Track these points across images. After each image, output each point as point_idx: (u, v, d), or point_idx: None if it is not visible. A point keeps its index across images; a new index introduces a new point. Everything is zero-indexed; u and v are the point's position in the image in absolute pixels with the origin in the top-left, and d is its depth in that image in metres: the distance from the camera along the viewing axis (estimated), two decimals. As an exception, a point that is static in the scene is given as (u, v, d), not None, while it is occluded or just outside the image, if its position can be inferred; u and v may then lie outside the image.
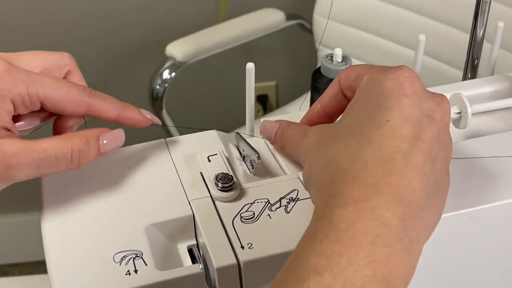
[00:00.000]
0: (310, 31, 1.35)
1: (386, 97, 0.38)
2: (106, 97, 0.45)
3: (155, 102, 1.20)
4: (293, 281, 0.32)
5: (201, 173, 0.48)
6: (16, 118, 0.44)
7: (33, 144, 0.41)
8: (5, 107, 0.41)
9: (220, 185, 0.45)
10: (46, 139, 0.42)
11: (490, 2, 0.58)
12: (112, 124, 0.46)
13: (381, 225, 0.33)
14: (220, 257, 0.41)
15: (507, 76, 0.58)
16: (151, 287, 0.40)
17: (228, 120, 1.51)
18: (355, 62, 0.71)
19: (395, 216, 0.33)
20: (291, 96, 1.45)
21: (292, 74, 1.62)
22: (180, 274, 0.41)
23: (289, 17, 1.32)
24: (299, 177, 0.47)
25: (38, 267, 1.61)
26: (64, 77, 0.46)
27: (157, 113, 1.21)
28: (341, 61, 0.59)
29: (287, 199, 0.45)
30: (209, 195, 0.46)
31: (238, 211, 0.44)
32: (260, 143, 0.53)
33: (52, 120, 0.46)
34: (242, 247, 0.41)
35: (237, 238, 0.42)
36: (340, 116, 0.42)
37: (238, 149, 0.51)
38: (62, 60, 0.46)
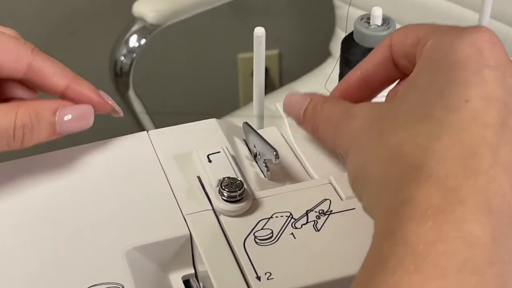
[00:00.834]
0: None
1: (462, 69, 0.38)
2: (53, 61, 0.47)
3: (118, 79, 1.20)
4: None
5: (199, 177, 0.48)
6: None
7: None
8: None
9: (225, 194, 0.45)
10: None
11: None
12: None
13: (469, 246, 0.33)
14: (229, 291, 0.41)
15: None
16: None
17: (216, 104, 1.51)
18: (398, 26, 0.71)
19: (485, 232, 0.33)
20: (299, 70, 1.45)
21: (301, 40, 1.62)
22: (175, 316, 0.41)
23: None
24: (331, 182, 0.47)
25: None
26: None
27: (122, 93, 1.20)
28: (381, 25, 0.59)
29: (316, 212, 0.45)
30: (211, 208, 0.46)
31: (251, 229, 0.44)
32: (275, 136, 0.52)
33: None
34: (258, 278, 0.41)
35: (251, 266, 0.42)
36: (399, 94, 0.42)
37: (248, 145, 0.51)
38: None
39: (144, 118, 1.21)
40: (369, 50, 0.49)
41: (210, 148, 0.49)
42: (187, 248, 0.45)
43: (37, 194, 0.47)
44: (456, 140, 0.36)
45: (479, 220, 0.34)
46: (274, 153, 0.48)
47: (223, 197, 0.45)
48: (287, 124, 0.53)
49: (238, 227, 0.44)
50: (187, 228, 0.45)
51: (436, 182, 0.35)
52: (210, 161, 0.48)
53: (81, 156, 0.50)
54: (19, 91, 0.48)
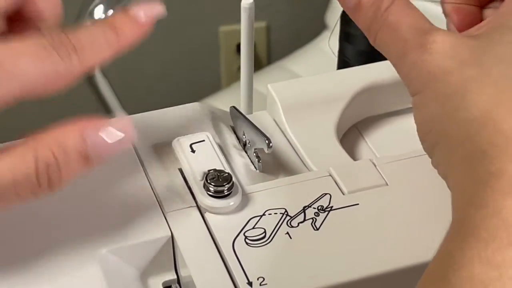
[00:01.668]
0: None
1: None
2: None
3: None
4: None
5: (180, 170, 0.48)
6: None
7: None
8: None
9: (211, 189, 0.45)
10: None
11: None
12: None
13: None
14: (216, 299, 0.41)
15: None
16: None
17: (196, 85, 1.50)
18: None
19: None
20: (291, 45, 1.45)
21: (292, 10, 1.61)
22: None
23: None
24: (331, 174, 0.48)
25: None
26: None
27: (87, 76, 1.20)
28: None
29: (314, 208, 0.46)
30: (195, 205, 0.46)
31: (241, 228, 0.44)
32: (267, 122, 0.53)
33: None
34: (250, 284, 0.42)
35: (241, 270, 0.42)
36: (489, 29, 0.40)
37: (236, 133, 0.52)
38: None
39: (113, 103, 1.21)
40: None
41: (193, 137, 0.49)
42: (168, 251, 0.45)
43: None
44: None
45: None
46: (266, 141, 0.48)
47: (208, 192, 0.45)
48: (280, 108, 0.53)
49: (226, 226, 0.45)
50: (168, 228, 0.45)
51: None
52: (193, 151, 0.48)
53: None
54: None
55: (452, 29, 0.44)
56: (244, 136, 0.50)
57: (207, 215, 0.46)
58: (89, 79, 1.25)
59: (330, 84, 0.55)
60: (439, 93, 0.39)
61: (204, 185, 0.46)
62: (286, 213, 0.45)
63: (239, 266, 0.42)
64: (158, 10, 0.43)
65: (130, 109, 0.54)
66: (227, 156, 0.49)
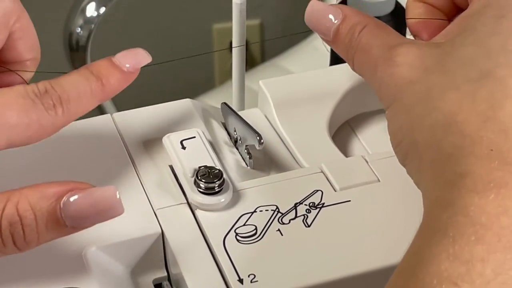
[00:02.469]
0: None
1: None
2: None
3: (74, 54, 1.20)
4: None
5: (171, 166, 0.48)
6: None
7: None
8: None
9: (202, 185, 0.45)
10: None
11: None
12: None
13: None
14: (207, 296, 0.41)
15: None
16: None
17: (189, 82, 1.50)
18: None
19: None
20: (285, 43, 1.45)
21: (286, 7, 1.61)
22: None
23: None
24: (323, 171, 0.48)
25: None
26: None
27: (78, 71, 1.20)
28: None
29: (306, 205, 0.46)
30: (186, 201, 0.46)
31: (232, 225, 0.44)
32: (259, 119, 0.53)
33: None
34: (241, 281, 0.41)
35: (232, 267, 0.42)
36: (451, 36, 0.41)
37: (227, 129, 0.52)
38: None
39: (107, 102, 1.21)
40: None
41: (184, 133, 0.49)
42: (158, 248, 0.45)
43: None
44: None
45: None
46: (258, 137, 0.48)
47: (199, 189, 0.45)
48: (272, 104, 0.53)
49: (217, 223, 0.45)
50: (158, 225, 0.45)
51: (497, 156, 0.36)
52: (184, 147, 0.48)
53: (45, 141, 0.49)
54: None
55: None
56: (235, 133, 0.50)
57: (198, 212, 0.45)
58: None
59: (322, 81, 0.55)
60: (406, 104, 0.40)
61: (195, 182, 0.46)
62: (277, 210, 0.45)
63: (230, 263, 0.42)
64: (142, 57, 0.44)
65: (123, 107, 0.54)
66: (218, 153, 0.49)
